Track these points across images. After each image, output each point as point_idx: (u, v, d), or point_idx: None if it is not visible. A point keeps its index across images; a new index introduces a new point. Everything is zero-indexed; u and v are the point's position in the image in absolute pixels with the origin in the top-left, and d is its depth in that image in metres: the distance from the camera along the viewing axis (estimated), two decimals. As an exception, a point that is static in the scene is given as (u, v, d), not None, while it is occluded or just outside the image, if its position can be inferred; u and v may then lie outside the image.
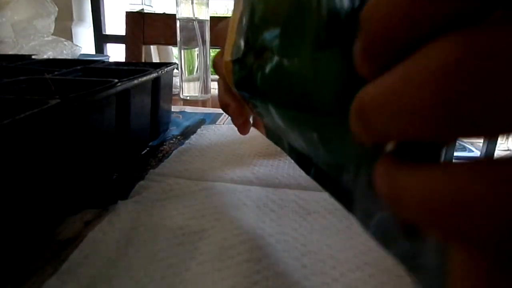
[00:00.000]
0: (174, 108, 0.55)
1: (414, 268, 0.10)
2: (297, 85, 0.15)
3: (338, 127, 0.13)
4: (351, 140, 0.11)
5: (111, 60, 0.60)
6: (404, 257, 0.11)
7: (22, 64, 0.44)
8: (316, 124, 0.15)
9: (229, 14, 0.38)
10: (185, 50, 0.66)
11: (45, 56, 0.70)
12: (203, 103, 0.67)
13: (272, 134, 0.24)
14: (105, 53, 1.53)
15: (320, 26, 0.13)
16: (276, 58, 0.16)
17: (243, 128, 0.30)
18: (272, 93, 0.17)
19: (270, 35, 0.16)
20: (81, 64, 0.42)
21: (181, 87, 0.69)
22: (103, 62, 0.47)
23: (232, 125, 0.51)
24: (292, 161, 0.38)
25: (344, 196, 0.15)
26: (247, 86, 0.20)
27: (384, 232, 0.12)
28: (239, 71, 0.20)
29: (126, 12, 1.05)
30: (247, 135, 0.44)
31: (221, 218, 0.25)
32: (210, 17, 0.66)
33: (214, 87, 0.83)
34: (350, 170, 0.14)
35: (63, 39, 0.77)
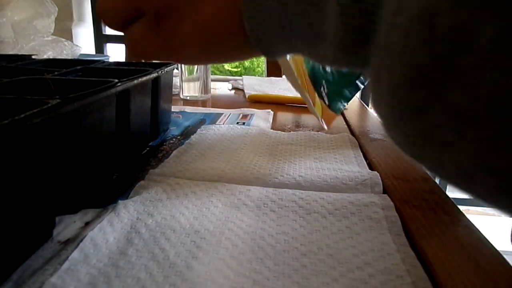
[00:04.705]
0: (174, 108, 0.55)
1: None
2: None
3: None
4: None
5: (111, 60, 0.60)
6: None
7: (22, 64, 0.44)
8: None
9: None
10: (185, 50, 0.66)
11: (45, 56, 0.70)
12: (203, 103, 0.67)
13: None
14: (105, 53, 1.53)
15: None
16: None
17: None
18: None
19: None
20: (81, 64, 0.42)
21: (181, 87, 0.69)
22: (103, 62, 0.47)
23: (232, 125, 0.51)
24: (292, 161, 0.39)
25: None
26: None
27: None
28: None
29: (126, 12, 1.04)
30: (247, 135, 0.44)
31: (222, 218, 0.25)
32: (210, 17, 0.66)
33: (214, 87, 0.83)
34: None
35: (63, 39, 0.77)
